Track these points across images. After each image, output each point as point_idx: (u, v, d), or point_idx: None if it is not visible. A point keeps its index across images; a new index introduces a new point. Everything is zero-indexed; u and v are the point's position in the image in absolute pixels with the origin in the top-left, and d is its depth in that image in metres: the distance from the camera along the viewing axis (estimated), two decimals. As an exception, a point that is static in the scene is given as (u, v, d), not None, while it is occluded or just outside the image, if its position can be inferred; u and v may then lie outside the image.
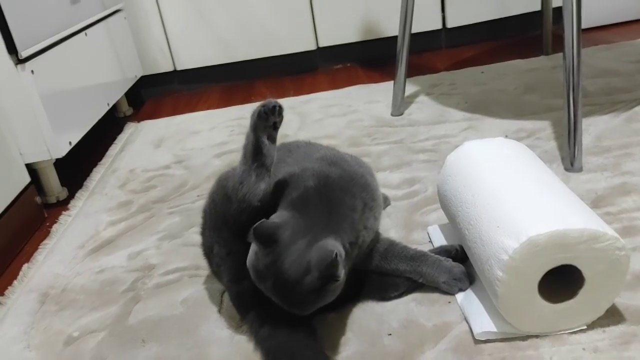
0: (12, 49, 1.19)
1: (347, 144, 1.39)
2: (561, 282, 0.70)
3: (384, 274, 0.84)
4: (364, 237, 0.78)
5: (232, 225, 0.78)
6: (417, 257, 0.83)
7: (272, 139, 0.76)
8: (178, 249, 1.06)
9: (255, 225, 0.69)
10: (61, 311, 0.94)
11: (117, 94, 1.76)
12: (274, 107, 0.74)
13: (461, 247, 0.86)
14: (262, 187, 0.75)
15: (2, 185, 1.15)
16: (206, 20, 2.00)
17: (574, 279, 0.70)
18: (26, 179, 1.24)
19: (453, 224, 0.86)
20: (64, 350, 0.84)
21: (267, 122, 0.74)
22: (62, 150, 1.31)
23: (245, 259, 0.74)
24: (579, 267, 0.68)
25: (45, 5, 1.36)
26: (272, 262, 0.69)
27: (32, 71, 1.23)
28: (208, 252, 0.85)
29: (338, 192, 0.76)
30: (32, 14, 1.29)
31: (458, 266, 0.83)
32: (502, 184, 0.78)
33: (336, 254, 0.66)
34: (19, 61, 1.21)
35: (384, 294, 0.83)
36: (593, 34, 1.95)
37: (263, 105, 0.74)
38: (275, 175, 0.79)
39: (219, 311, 0.87)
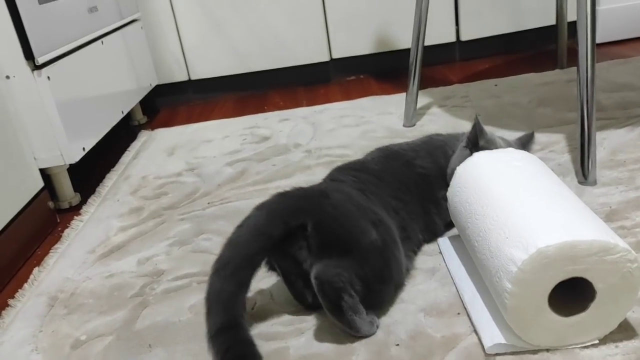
0: (29, 55, 1.21)
1: (360, 154, 1.38)
2: (572, 295, 0.69)
3: None
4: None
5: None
6: None
7: None
8: (188, 255, 1.06)
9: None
10: (69, 315, 0.94)
11: (131, 102, 1.77)
12: None
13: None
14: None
15: (15, 189, 1.16)
16: (221, 31, 2.02)
17: (585, 292, 0.68)
18: (39, 183, 1.26)
19: (463, 236, 0.85)
20: (71, 354, 0.84)
21: None
22: (76, 156, 1.32)
23: None
24: (590, 279, 0.67)
25: (63, 13, 1.38)
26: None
27: (49, 77, 1.25)
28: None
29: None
30: (50, 21, 1.31)
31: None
32: (511, 195, 0.77)
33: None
34: (36, 67, 1.23)
35: None
36: (609, 49, 1.94)
37: None
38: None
39: (226, 318, 0.86)
